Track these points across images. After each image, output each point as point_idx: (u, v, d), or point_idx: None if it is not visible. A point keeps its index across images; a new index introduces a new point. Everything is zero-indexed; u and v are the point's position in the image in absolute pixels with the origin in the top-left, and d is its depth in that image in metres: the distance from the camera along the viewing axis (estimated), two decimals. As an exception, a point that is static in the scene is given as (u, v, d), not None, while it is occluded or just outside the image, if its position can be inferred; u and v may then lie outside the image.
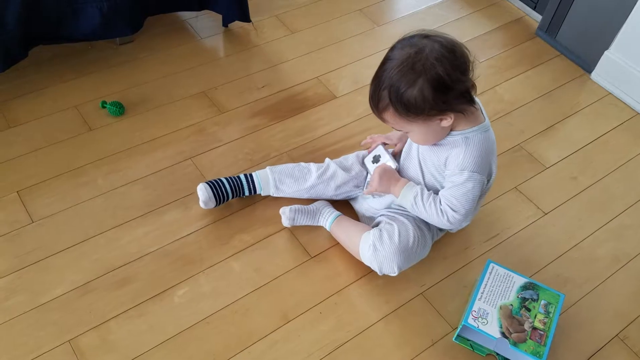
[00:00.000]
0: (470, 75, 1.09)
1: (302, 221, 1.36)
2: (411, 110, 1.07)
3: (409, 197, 1.23)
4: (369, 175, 1.36)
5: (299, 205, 1.37)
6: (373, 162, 1.33)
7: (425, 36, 1.08)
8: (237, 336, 1.20)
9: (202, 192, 1.35)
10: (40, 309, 1.20)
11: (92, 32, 1.61)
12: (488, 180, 1.21)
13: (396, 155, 1.34)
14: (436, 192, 1.23)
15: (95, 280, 1.26)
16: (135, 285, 1.26)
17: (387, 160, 1.30)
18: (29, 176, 1.43)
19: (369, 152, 1.36)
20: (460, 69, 1.07)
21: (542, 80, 1.86)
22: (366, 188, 1.35)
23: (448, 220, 1.19)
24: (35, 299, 1.22)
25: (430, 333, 1.24)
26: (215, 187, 1.36)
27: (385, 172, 1.27)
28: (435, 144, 1.19)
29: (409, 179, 1.27)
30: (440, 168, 1.22)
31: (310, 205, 1.38)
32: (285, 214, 1.36)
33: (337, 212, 1.37)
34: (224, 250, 1.33)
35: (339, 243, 1.36)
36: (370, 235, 1.26)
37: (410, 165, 1.28)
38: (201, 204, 1.36)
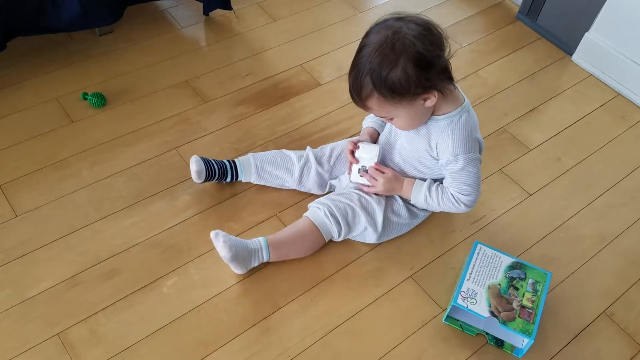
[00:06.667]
0: (446, 54, 1.10)
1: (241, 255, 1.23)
2: (396, 92, 1.08)
3: (419, 200, 1.27)
4: (354, 168, 1.31)
5: (234, 238, 1.23)
6: (361, 173, 1.30)
7: (399, 18, 1.09)
8: (229, 324, 1.19)
9: (198, 162, 1.34)
10: (27, 303, 1.19)
11: (72, 22, 1.59)
12: (479, 152, 1.23)
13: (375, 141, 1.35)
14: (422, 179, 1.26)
15: (83, 273, 1.24)
16: (123, 277, 1.24)
17: (372, 159, 1.29)
18: (11, 170, 1.41)
19: (350, 168, 1.32)
20: (438, 45, 1.08)
21: (524, 64, 1.87)
22: (364, 186, 1.31)
23: (466, 205, 1.23)
24: (21, 293, 1.20)
25: (420, 315, 1.25)
26: (206, 162, 1.36)
27: (389, 180, 1.27)
28: (419, 131, 1.20)
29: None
30: (422, 157, 1.22)
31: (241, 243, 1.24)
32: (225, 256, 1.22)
33: (261, 238, 1.26)
34: (213, 239, 1.33)
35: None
36: (321, 212, 1.27)
37: (391, 161, 1.30)
38: (193, 174, 1.35)
